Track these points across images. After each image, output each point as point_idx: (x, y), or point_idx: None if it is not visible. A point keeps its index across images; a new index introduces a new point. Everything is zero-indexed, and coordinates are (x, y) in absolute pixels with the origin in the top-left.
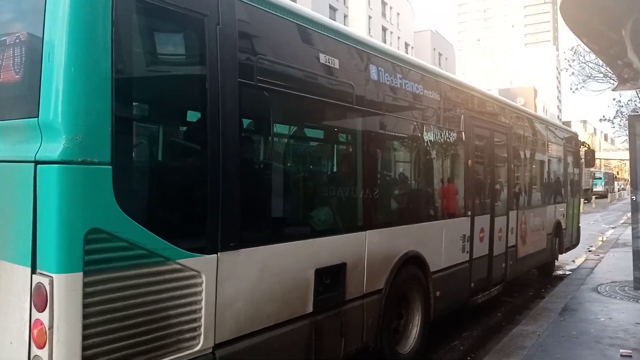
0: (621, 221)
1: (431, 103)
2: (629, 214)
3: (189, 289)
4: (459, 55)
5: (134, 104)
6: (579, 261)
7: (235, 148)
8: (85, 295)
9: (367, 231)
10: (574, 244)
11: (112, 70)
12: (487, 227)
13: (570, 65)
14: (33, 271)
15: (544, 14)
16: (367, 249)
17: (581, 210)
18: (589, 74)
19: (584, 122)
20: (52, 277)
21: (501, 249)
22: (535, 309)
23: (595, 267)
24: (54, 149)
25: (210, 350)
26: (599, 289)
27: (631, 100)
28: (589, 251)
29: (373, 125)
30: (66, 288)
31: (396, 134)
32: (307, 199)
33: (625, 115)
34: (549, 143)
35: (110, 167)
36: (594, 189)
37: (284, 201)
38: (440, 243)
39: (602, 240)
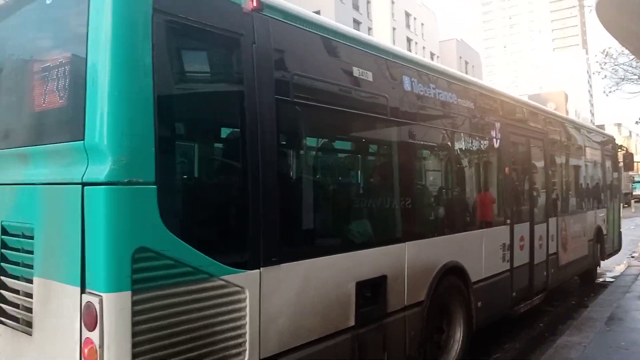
0: None
1: (467, 112)
2: None
3: (234, 305)
4: (485, 62)
5: (175, 124)
6: (621, 268)
7: (274, 163)
8: (134, 314)
9: (407, 242)
10: (616, 249)
11: (154, 92)
12: (527, 235)
13: (602, 68)
14: (82, 291)
15: (571, 18)
16: (407, 260)
17: (621, 215)
18: (623, 76)
19: (619, 125)
20: (101, 296)
21: (542, 257)
22: (579, 319)
23: (639, 274)
24: (101, 170)
25: None
26: None
27: None
28: (632, 257)
29: (408, 136)
30: (115, 307)
31: (433, 144)
32: (345, 211)
33: None
34: (586, 147)
35: (154, 186)
36: (634, 193)
37: (323, 214)
38: (480, 252)
39: None
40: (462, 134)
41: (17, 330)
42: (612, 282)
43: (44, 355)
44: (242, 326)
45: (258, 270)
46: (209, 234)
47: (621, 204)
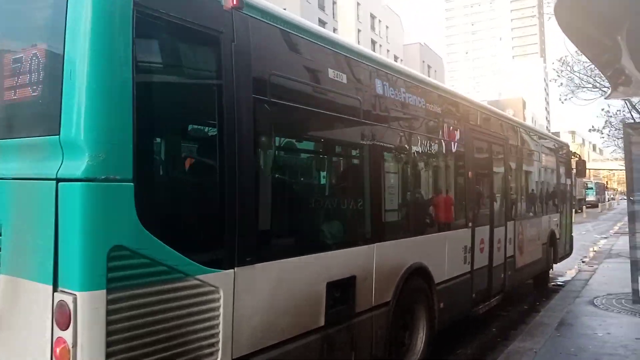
0: (612, 231)
1: (436, 117)
2: (620, 224)
3: (208, 305)
4: (447, 67)
5: (153, 120)
6: (572, 273)
7: (251, 164)
8: (108, 313)
9: (375, 244)
10: (568, 253)
11: (133, 87)
12: (486, 238)
13: (559, 76)
14: (55, 289)
15: (530, 27)
16: (375, 261)
17: (573, 220)
18: (578, 84)
19: (573, 132)
20: (75, 294)
21: (500, 260)
22: (531, 324)
23: (590, 278)
24: (77, 166)
25: None
26: (595, 301)
27: (620, 110)
28: (583, 262)
29: (380, 139)
30: (90, 306)
31: (402, 148)
32: (318, 213)
33: (615, 125)
34: (542, 154)
35: (132, 184)
36: (587, 199)
37: (296, 216)
38: (444, 255)
39: (595, 251)
40: (432, 139)
41: None
42: (563, 286)
43: (12, 353)
44: (216, 326)
45: (232, 270)
46: (185, 233)
47: (573, 210)
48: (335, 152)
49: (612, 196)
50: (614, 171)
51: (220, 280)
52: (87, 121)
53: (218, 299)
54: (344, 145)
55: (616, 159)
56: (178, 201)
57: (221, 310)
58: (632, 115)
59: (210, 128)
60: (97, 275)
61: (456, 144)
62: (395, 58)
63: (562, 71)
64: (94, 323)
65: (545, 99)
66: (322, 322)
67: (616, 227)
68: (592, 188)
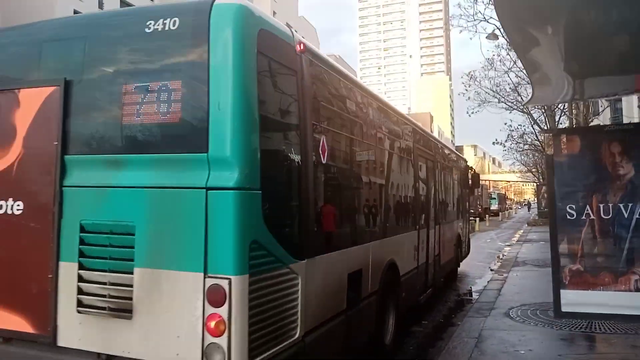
0: (515, 239)
1: (403, 139)
2: (520, 232)
3: (294, 288)
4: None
5: (267, 142)
6: (483, 282)
7: (316, 182)
8: (249, 292)
9: (370, 243)
10: (466, 254)
11: (259, 116)
12: (424, 239)
13: (467, 90)
14: (205, 275)
15: (438, 46)
16: (371, 257)
17: (477, 229)
18: (484, 99)
19: (475, 146)
20: (230, 278)
21: (432, 257)
22: (449, 341)
23: (502, 288)
24: (227, 178)
25: (302, 338)
26: (511, 313)
27: (521, 125)
28: (492, 270)
29: (381, 159)
30: (241, 286)
31: (390, 165)
32: (347, 218)
33: (515, 139)
34: (454, 168)
35: (260, 192)
36: (491, 208)
37: (335, 220)
38: (404, 252)
39: (501, 259)
40: (403, 158)
41: (108, 316)
42: (477, 297)
43: (151, 333)
44: (297, 305)
45: (305, 260)
46: (285, 232)
47: (477, 218)
48: (358, 173)
49: (510, 206)
50: (511, 182)
51: (300, 268)
52: (237, 144)
53: (298, 283)
54: (363, 165)
55: (514, 172)
56: (281, 208)
57: (299, 292)
58: (533, 129)
59: (295, 148)
60: (244, 263)
61: (412, 161)
62: None
63: (470, 85)
64: (242, 300)
65: (450, 114)
66: (344, 306)
67: (517, 235)
68: (495, 198)
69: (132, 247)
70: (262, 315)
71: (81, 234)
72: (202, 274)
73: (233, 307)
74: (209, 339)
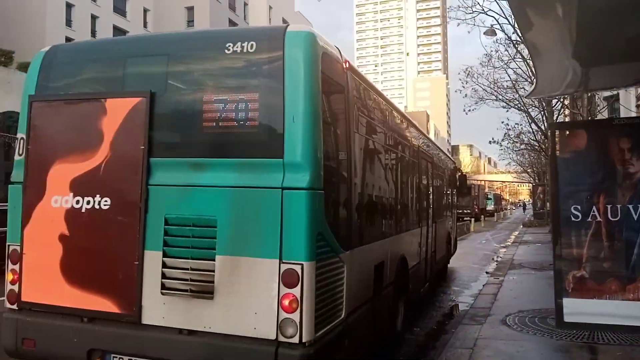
0: (510, 240)
1: (413, 144)
2: (516, 233)
3: (341, 275)
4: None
5: (326, 149)
6: (478, 285)
7: (356, 185)
8: (316, 276)
9: (390, 238)
10: (454, 251)
11: (322, 127)
12: (425, 236)
13: (464, 87)
14: (281, 261)
15: (435, 44)
16: (389, 251)
17: (472, 229)
18: (482, 96)
19: (471, 146)
20: (302, 264)
21: (430, 253)
22: (443, 354)
23: (497, 292)
24: (300, 180)
25: (345, 319)
26: (507, 321)
27: (518, 124)
28: (487, 273)
29: (398, 160)
30: (310, 271)
31: (404, 168)
32: (377, 216)
33: (512, 138)
34: (446, 170)
35: (322, 192)
36: (487, 208)
37: (367, 218)
38: (411, 248)
39: (497, 261)
40: (417, 162)
41: (190, 297)
42: (472, 302)
43: (230, 312)
44: (343, 290)
45: (348, 252)
46: (337, 226)
47: (472, 218)
48: (383, 174)
49: (505, 206)
50: (506, 183)
51: (345, 258)
52: (308, 151)
53: (344, 271)
54: (387, 168)
55: (509, 172)
56: (335, 205)
57: (344, 279)
58: (531, 128)
59: (343, 154)
60: (313, 252)
61: (417, 163)
62: None
63: (467, 82)
64: (311, 282)
65: (447, 113)
66: (371, 294)
67: (513, 237)
68: (491, 198)
69: (214, 238)
70: (322, 296)
71: (165, 227)
72: (277, 260)
73: (304, 288)
74: (283, 314)
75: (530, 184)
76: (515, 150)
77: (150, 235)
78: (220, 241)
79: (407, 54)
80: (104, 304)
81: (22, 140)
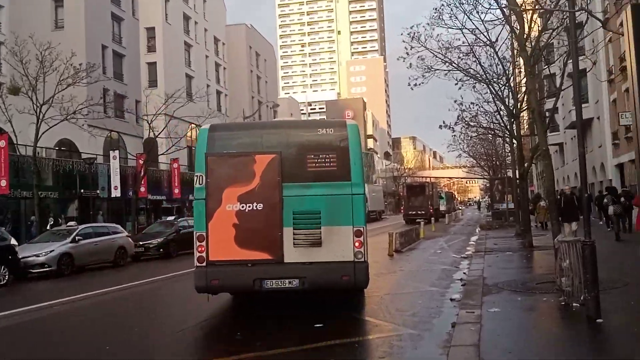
0: (471, 248)
1: None
2: (474, 238)
3: (366, 234)
4: (280, 61)
5: (361, 174)
6: (443, 326)
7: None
8: (365, 233)
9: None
10: None
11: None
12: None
13: (408, 54)
14: (353, 227)
15: (370, 21)
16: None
17: (422, 235)
18: (430, 66)
19: (413, 138)
20: (363, 227)
21: None
22: None
23: (479, 343)
24: (358, 190)
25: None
26: None
27: (473, 102)
28: (453, 301)
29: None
30: (364, 230)
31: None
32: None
33: (467, 121)
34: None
35: (364, 195)
36: (440, 208)
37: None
38: None
39: (463, 281)
40: None
41: (309, 247)
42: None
43: (331, 251)
44: (366, 243)
45: (364, 225)
46: (365, 211)
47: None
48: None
49: (456, 206)
50: (453, 179)
51: (366, 227)
52: (361, 178)
53: (366, 233)
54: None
55: (459, 167)
56: (365, 203)
57: (366, 237)
58: (496, 105)
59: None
60: (365, 222)
61: None
62: (216, 40)
63: (412, 48)
64: (365, 235)
65: (386, 101)
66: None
67: (472, 243)
68: (443, 197)
69: (320, 219)
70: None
71: (294, 215)
72: (352, 226)
73: (364, 237)
74: (356, 249)
75: (485, 179)
76: (467, 140)
77: (286, 220)
78: (323, 220)
79: (339, 33)
80: (262, 255)
81: (201, 176)
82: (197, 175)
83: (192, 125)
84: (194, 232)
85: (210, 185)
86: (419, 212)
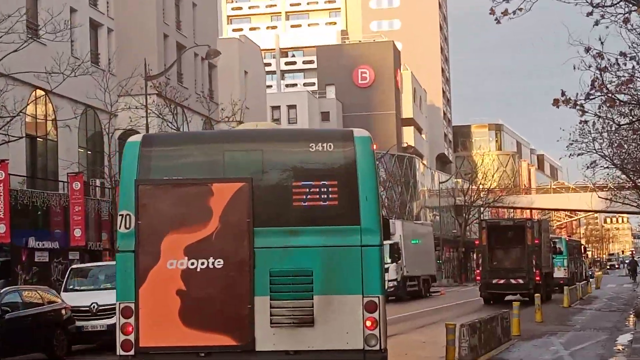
0: None
1: None
2: (625, 339)
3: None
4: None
5: (377, 213)
6: None
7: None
8: (383, 305)
9: None
10: None
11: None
12: None
13: None
14: (363, 296)
15: None
16: None
17: (515, 331)
18: None
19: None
20: (379, 297)
21: None
22: None
23: None
24: (373, 240)
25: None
26: None
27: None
28: None
29: None
30: (382, 301)
31: None
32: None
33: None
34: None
35: (381, 247)
36: (554, 275)
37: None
38: None
39: None
40: None
41: (294, 327)
42: None
43: (329, 333)
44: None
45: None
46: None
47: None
48: None
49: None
50: (580, 214)
51: (381, 297)
52: (377, 221)
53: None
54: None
55: (593, 188)
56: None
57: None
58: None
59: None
60: (382, 289)
61: None
62: None
63: None
64: (383, 308)
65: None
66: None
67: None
68: (561, 252)
69: (311, 283)
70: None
71: (271, 277)
72: (361, 295)
73: (379, 312)
74: (367, 332)
75: None
76: (609, 132)
77: (258, 285)
78: (316, 285)
79: None
80: (221, 340)
81: (128, 216)
82: (121, 214)
83: (39, 90)
84: (117, 303)
85: (143, 229)
86: (512, 281)
